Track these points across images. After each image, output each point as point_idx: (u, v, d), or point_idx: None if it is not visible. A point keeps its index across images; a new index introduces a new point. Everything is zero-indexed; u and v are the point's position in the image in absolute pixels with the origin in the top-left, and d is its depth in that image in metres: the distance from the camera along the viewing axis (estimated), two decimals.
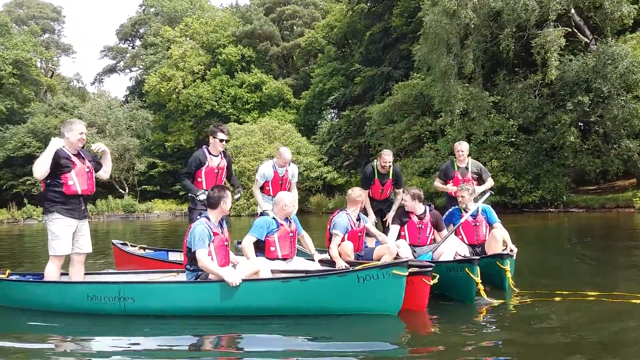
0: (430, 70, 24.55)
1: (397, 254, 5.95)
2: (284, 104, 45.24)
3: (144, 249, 8.43)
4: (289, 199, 5.96)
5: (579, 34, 21.35)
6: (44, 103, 50.40)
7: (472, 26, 21.03)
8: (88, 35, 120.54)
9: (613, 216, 18.06)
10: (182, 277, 5.60)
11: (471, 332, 4.43)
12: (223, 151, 6.72)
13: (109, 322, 5.04)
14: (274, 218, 5.88)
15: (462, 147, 7.86)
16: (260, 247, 5.81)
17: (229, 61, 46.12)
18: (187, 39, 49.31)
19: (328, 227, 6.43)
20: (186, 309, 5.03)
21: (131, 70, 64.10)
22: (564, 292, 5.41)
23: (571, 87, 20.45)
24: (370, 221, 7.26)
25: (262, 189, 7.47)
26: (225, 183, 6.63)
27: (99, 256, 10.30)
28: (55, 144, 5.38)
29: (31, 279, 6.03)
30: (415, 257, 6.11)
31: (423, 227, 6.52)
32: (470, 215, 6.71)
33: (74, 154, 5.53)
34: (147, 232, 21.72)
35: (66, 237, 5.56)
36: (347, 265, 5.80)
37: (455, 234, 6.66)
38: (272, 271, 5.33)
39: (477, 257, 5.58)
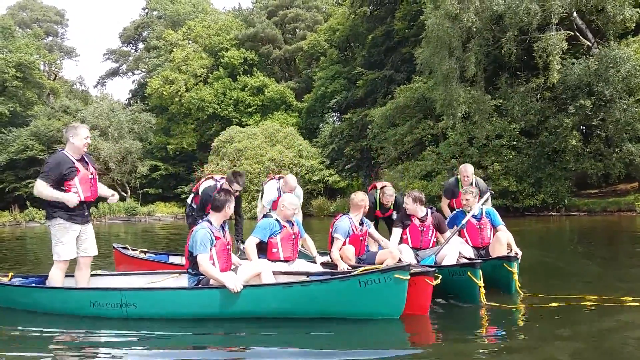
0: (432, 74, 24.55)
1: (400, 259, 5.96)
2: (286, 107, 45.28)
3: (145, 252, 8.44)
4: (287, 200, 5.99)
5: (581, 37, 21.35)
6: (46, 106, 50.54)
7: (474, 29, 21.05)
8: (91, 39, 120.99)
9: (615, 220, 18.03)
10: (184, 278, 5.60)
11: (474, 336, 4.43)
12: (236, 197, 6.68)
13: (111, 327, 5.04)
14: (276, 220, 5.91)
15: (468, 172, 7.76)
16: (263, 249, 5.82)
17: (232, 64, 46.21)
18: (190, 42, 49.44)
19: (330, 230, 6.45)
20: (188, 315, 5.04)
21: (134, 73, 64.26)
22: (568, 296, 5.39)
23: (573, 91, 20.43)
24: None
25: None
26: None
27: (100, 259, 10.30)
28: (68, 198, 5.38)
29: (34, 284, 6.03)
30: (418, 261, 6.12)
31: (425, 230, 6.53)
32: (475, 218, 6.73)
33: (77, 160, 5.52)
34: (149, 235, 21.74)
35: (70, 242, 5.57)
36: (349, 268, 5.82)
37: (460, 237, 6.68)
38: (274, 273, 5.33)
39: (479, 261, 5.58)
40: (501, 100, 22.86)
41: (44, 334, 4.93)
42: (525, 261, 6.80)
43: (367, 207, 6.72)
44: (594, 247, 11.05)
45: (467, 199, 6.73)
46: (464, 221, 6.61)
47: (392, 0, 35.29)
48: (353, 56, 41.18)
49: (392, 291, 4.69)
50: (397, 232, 6.60)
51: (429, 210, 6.65)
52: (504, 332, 4.51)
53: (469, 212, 6.72)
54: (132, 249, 8.38)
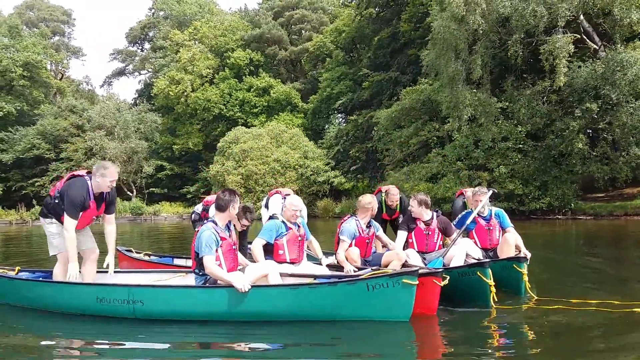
0: (438, 76, 24.56)
1: (405, 261, 5.96)
2: (291, 108, 45.31)
3: (149, 255, 8.43)
4: (289, 201, 6.01)
5: (587, 40, 21.30)
6: (53, 105, 50.75)
7: (481, 32, 21.05)
8: (98, 38, 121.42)
9: (622, 224, 17.95)
10: (191, 278, 5.58)
11: (483, 339, 4.43)
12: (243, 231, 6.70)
13: (118, 324, 5.06)
14: (283, 222, 5.92)
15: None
16: (269, 251, 5.84)
17: (237, 65, 46.29)
18: (196, 42, 49.58)
19: (337, 231, 6.46)
20: (195, 314, 5.03)
21: (140, 74, 64.55)
22: (576, 300, 5.38)
23: (580, 94, 20.39)
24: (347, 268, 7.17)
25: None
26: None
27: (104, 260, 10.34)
28: (71, 270, 5.41)
29: (41, 278, 6.05)
30: (425, 264, 6.11)
31: (430, 233, 6.51)
32: (484, 219, 6.73)
33: (95, 195, 5.55)
34: (154, 235, 21.80)
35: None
36: (355, 269, 5.83)
37: (469, 238, 6.66)
38: (281, 274, 5.32)
39: (488, 260, 5.53)
40: (507, 103, 22.84)
41: (50, 329, 4.98)
42: (532, 264, 6.78)
43: (375, 210, 6.71)
44: (600, 250, 11.01)
45: (481, 200, 6.70)
46: (468, 221, 6.57)
47: (398, 2, 35.28)
48: (359, 58, 41.19)
49: (400, 296, 4.69)
50: (402, 234, 6.58)
51: (435, 214, 6.63)
52: (513, 335, 4.50)
53: (478, 213, 6.69)
54: (136, 252, 8.37)
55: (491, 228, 6.73)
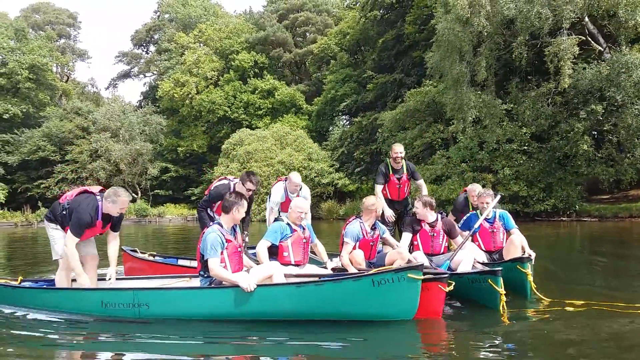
0: (443, 78, 24.54)
1: (409, 260, 5.95)
2: (296, 110, 45.36)
3: (154, 256, 8.48)
4: (294, 203, 6.03)
5: (592, 42, 21.25)
6: (59, 107, 51.04)
7: (485, 34, 21.04)
8: (103, 41, 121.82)
9: (627, 226, 17.90)
10: (195, 282, 5.60)
11: (488, 340, 4.42)
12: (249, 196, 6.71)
13: (124, 327, 5.07)
14: (288, 224, 5.94)
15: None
16: (274, 253, 5.84)
17: (242, 67, 46.39)
18: (201, 45, 49.74)
19: (342, 232, 6.47)
20: (201, 315, 5.04)
21: (145, 76, 64.70)
22: (582, 302, 5.36)
23: (584, 96, 20.34)
24: (387, 214, 7.46)
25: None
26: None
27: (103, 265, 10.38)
28: (82, 280, 5.51)
29: (44, 286, 6.05)
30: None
31: (435, 235, 6.50)
32: (488, 222, 6.71)
33: (103, 215, 5.64)
34: (159, 237, 21.85)
35: None
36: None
37: (472, 240, 6.64)
38: (286, 275, 5.33)
39: (500, 268, 5.39)
40: (512, 105, 22.82)
41: (55, 335, 4.96)
42: (537, 266, 6.76)
43: (379, 212, 6.71)
44: (605, 252, 10.99)
45: (487, 203, 6.68)
46: (475, 225, 6.58)
47: (402, 4, 35.29)
48: (363, 60, 41.22)
49: (405, 291, 4.68)
50: (407, 236, 6.57)
51: (439, 216, 6.62)
52: (518, 336, 4.49)
53: (481, 215, 6.69)
54: (140, 252, 8.42)
55: (495, 230, 6.69)
